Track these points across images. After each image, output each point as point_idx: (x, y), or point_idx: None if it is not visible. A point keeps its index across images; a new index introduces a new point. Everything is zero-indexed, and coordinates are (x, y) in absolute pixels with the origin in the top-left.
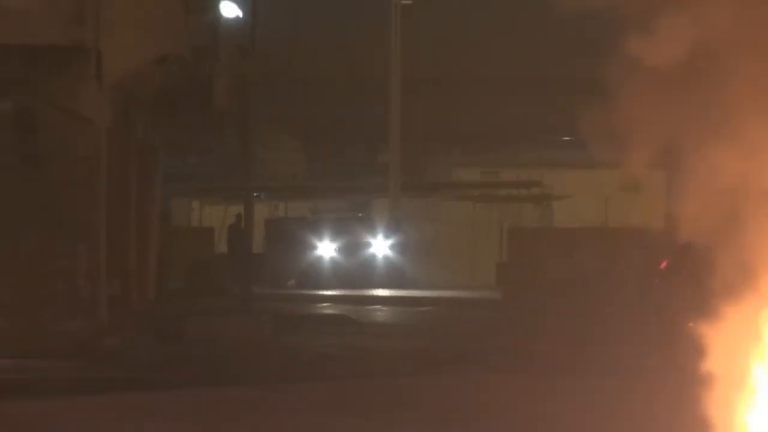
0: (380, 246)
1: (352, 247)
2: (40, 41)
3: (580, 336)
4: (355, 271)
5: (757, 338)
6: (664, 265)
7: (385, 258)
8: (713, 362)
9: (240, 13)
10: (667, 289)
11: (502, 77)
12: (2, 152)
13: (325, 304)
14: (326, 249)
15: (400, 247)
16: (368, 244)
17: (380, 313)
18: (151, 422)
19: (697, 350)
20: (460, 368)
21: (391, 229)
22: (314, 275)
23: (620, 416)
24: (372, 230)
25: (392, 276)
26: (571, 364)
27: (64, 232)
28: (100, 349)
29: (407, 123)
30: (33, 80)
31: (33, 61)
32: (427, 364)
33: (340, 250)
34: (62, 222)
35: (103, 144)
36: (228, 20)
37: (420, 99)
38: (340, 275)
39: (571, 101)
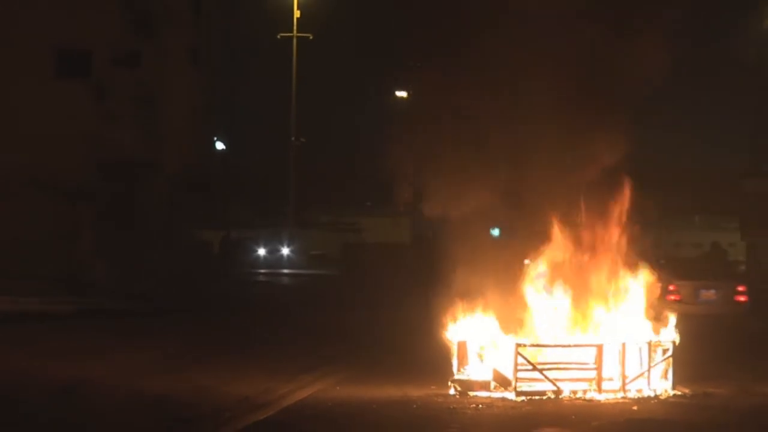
0: (285, 250)
1: (273, 250)
2: (130, 158)
3: (375, 291)
4: (274, 261)
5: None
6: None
7: (287, 256)
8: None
9: (224, 146)
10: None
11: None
12: (112, 209)
13: (260, 276)
14: (262, 251)
15: (293, 250)
16: (280, 249)
17: (284, 280)
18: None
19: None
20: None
21: (290, 242)
22: (257, 263)
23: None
24: (282, 242)
25: (291, 263)
26: (368, 303)
27: (144, 241)
28: (159, 296)
29: (298, 189)
30: (125, 176)
31: (125, 167)
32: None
33: (268, 251)
34: (142, 239)
35: (165, 206)
36: (218, 149)
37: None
38: (268, 263)
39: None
